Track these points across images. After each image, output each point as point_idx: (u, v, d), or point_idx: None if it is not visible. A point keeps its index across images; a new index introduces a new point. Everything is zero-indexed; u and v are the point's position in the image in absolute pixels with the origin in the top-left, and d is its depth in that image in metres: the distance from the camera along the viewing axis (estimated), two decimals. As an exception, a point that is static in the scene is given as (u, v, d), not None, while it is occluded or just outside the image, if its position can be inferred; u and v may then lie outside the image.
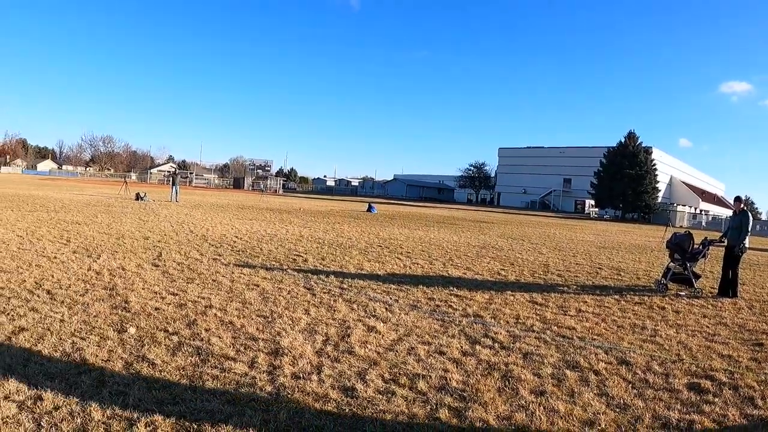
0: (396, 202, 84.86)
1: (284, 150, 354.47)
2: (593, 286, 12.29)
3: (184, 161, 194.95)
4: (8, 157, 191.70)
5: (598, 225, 50.83)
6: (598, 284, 12.66)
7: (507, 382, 5.58)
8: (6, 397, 4.58)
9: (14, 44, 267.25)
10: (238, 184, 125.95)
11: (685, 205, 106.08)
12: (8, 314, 7.13)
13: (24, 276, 9.58)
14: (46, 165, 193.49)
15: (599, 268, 15.49)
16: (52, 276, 9.72)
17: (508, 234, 27.72)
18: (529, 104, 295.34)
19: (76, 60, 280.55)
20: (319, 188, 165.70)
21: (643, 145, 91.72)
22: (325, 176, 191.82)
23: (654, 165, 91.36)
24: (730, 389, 5.89)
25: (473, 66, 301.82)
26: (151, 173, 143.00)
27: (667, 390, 5.72)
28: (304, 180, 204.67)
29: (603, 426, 4.63)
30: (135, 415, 4.36)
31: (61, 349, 5.90)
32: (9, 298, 8.02)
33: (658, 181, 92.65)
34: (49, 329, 6.60)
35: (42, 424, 4.16)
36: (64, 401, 4.56)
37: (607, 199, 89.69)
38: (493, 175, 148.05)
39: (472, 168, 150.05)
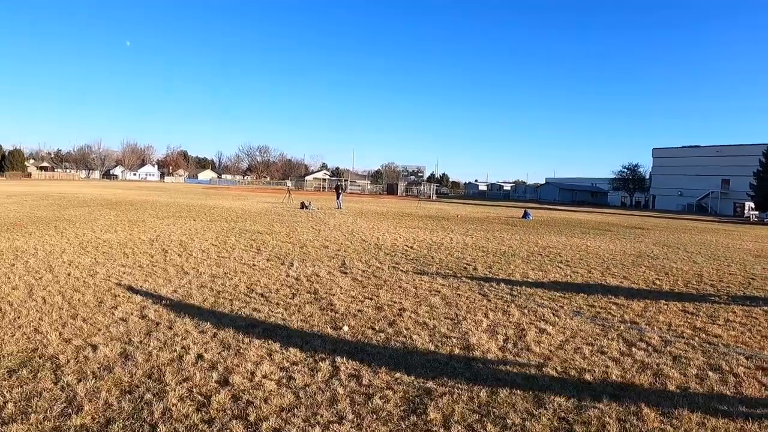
0: (549, 206, 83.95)
1: (435, 155, 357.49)
2: (744, 297, 12.72)
3: (337, 168, 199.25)
4: (171, 167, 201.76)
5: (758, 230, 49.07)
6: (749, 295, 13.03)
7: (657, 379, 6.64)
8: (279, 367, 6.19)
9: (172, 63, 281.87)
10: (391, 190, 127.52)
11: None
12: (236, 313, 8.75)
13: (235, 281, 11.23)
14: (206, 174, 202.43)
15: (752, 279, 15.76)
16: (259, 281, 11.34)
17: (663, 241, 27.75)
18: (686, 101, 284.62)
19: (231, 75, 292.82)
20: (471, 193, 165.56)
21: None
22: (476, 181, 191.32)
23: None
24: None
25: (625, 64, 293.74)
26: (306, 181, 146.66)
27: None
28: (455, 185, 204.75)
29: (734, 417, 5.60)
30: (370, 391, 5.87)
31: (292, 342, 7.34)
32: (231, 300, 9.60)
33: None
34: (276, 326, 8.11)
35: (301, 394, 5.72)
36: (312, 381, 6.11)
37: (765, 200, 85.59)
38: (647, 176, 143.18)
39: (626, 170, 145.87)
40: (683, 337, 8.68)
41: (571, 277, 14.09)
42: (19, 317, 8.15)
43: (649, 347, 8.00)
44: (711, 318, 10.18)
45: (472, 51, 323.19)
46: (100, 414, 5.05)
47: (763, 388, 6.64)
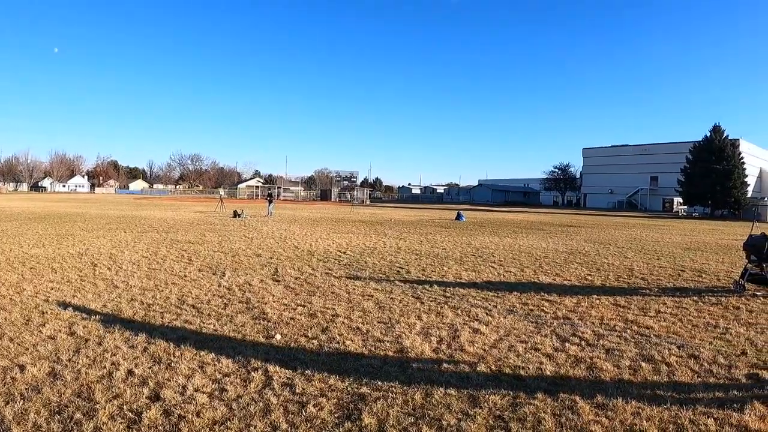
0: (482, 208, 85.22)
1: (368, 160, 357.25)
2: (674, 288, 13.08)
3: (270, 175, 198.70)
4: (101, 178, 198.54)
5: (686, 224, 50.37)
6: (679, 286, 13.41)
7: (591, 372, 6.73)
8: (198, 389, 6.01)
9: (101, 71, 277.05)
10: (325, 196, 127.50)
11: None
12: (167, 326, 8.49)
13: (165, 293, 10.98)
14: (137, 185, 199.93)
15: (681, 270, 16.20)
16: (191, 293, 11.11)
17: (594, 238, 28.33)
18: (614, 102, 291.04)
19: (161, 83, 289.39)
20: (404, 197, 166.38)
21: (730, 137, 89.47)
22: (410, 184, 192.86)
23: (742, 158, 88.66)
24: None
25: (554, 67, 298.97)
26: (239, 188, 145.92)
27: (727, 378, 6.73)
28: (389, 189, 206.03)
29: (668, 405, 5.74)
30: (304, 399, 5.73)
31: (224, 353, 7.17)
32: (161, 312, 9.36)
33: (747, 175, 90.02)
34: (207, 338, 7.92)
35: (234, 406, 5.55)
36: (245, 392, 5.92)
37: (694, 196, 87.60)
38: (578, 176, 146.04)
39: (557, 170, 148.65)
40: (615, 330, 8.84)
41: (504, 276, 14.20)
42: None
43: (582, 342, 8.12)
44: (642, 310, 10.39)
45: (402, 54, 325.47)
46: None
47: (696, 375, 6.80)
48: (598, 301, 11.25)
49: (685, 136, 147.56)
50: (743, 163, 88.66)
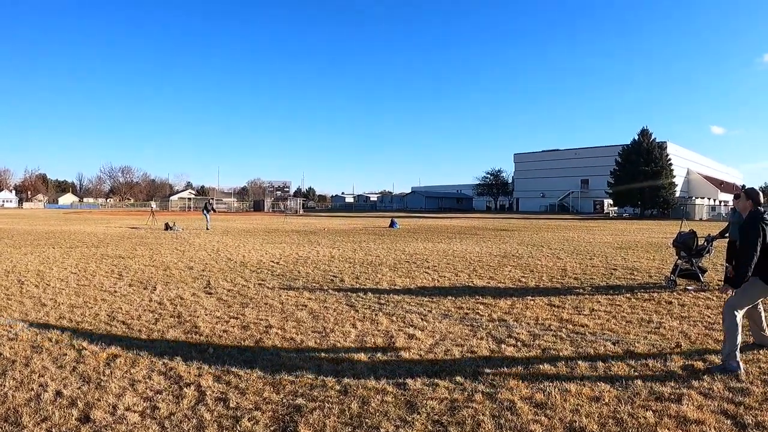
0: (416, 215, 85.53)
1: (301, 169, 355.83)
2: (607, 287, 13.28)
3: (202, 187, 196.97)
4: (30, 192, 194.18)
5: (617, 224, 51.38)
6: (612, 284, 13.63)
7: (528, 369, 6.76)
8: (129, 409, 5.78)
9: (27, 80, 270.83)
10: (258, 207, 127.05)
11: (704, 198, 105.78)
12: (97, 344, 8.16)
13: (95, 310, 10.64)
14: (67, 199, 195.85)
15: (614, 269, 16.48)
16: (121, 308, 10.78)
17: (527, 241, 28.65)
18: (544, 106, 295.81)
19: (89, 93, 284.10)
20: (338, 205, 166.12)
21: (658, 140, 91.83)
22: (343, 193, 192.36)
23: (669, 160, 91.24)
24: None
25: (483, 72, 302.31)
26: (171, 201, 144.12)
27: (664, 371, 6.81)
28: (322, 198, 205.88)
29: (607, 401, 5.76)
30: (238, 414, 5.54)
31: (156, 369, 6.97)
32: (90, 330, 9.05)
33: (675, 176, 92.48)
34: (139, 354, 7.66)
35: (166, 424, 5.34)
36: (178, 408, 5.73)
37: (625, 197, 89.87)
38: (510, 181, 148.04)
39: (489, 175, 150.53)
40: (551, 330, 8.90)
41: (438, 281, 14.18)
42: None
43: (519, 342, 8.13)
44: (577, 309, 10.49)
45: (330, 61, 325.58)
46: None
47: (632, 369, 6.89)
48: (532, 302, 11.30)
49: (614, 140, 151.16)
50: (671, 164, 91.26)
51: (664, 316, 9.95)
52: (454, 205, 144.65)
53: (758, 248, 7.01)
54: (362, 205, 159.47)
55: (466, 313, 10.14)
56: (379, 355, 7.54)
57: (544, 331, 8.79)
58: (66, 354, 7.69)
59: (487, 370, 6.78)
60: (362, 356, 7.44)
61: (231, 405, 5.75)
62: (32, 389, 6.30)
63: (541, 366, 6.95)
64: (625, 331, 8.85)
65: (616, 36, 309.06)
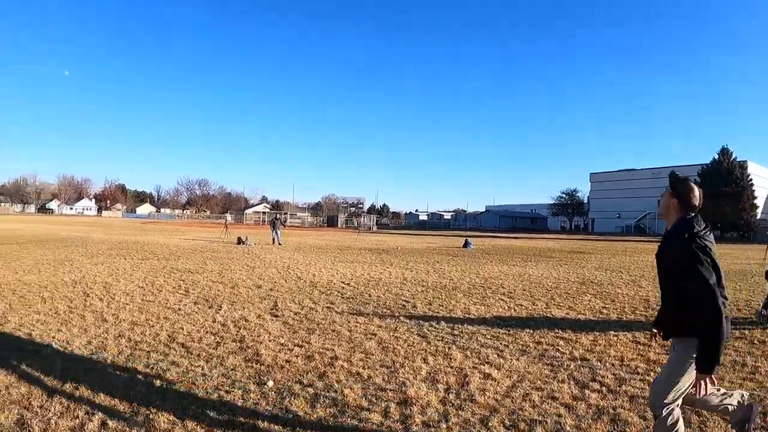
0: (490, 234, 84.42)
1: (375, 186, 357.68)
2: None
3: (277, 201, 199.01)
4: (109, 201, 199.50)
5: (698, 250, 49.74)
6: None
7: (615, 425, 6.04)
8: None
9: (111, 95, 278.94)
10: (332, 222, 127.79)
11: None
12: (152, 368, 7.84)
13: (156, 329, 10.35)
14: (144, 209, 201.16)
15: (699, 301, 15.44)
16: (182, 329, 10.46)
17: (605, 265, 27.62)
18: (622, 124, 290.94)
19: (169, 108, 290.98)
20: (412, 223, 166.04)
21: (738, 159, 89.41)
22: (417, 210, 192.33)
23: (751, 180, 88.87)
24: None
25: (560, 91, 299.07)
26: (246, 214, 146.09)
27: (763, 428, 6.11)
28: (396, 215, 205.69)
29: None
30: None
31: (209, 403, 6.55)
32: (148, 352, 8.74)
33: (756, 197, 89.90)
34: (194, 383, 7.28)
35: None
36: None
37: (703, 219, 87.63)
38: (585, 200, 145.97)
39: (564, 195, 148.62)
40: (638, 373, 8.10)
41: (514, 310, 13.45)
42: None
43: (603, 387, 7.38)
44: (664, 348, 9.61)
45: (409, 81, 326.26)
46: None
47: (729, 425, 6.04)
48: (616, 338, 10.52)
49: (693, 159, 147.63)
50: (752, 184, 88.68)
51: (759, 359, 9.09)
52: (529, 225, 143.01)
53: (718, 292, 4.34)
54: (436, 222, 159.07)
55: (546, 350, 9.42)
56: (452, 396, 6.89)
57: (630, 374, 8.02)
58: (119, 378, 7.39)
59: (570, 422, 6.12)
60: (433, 398, 6.81)
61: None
62: (77, 417, 6.01)
63: (628, 418, 6.26)
64: (718, 376, 7.96)
65: (688, 53, 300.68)
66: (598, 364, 8.59)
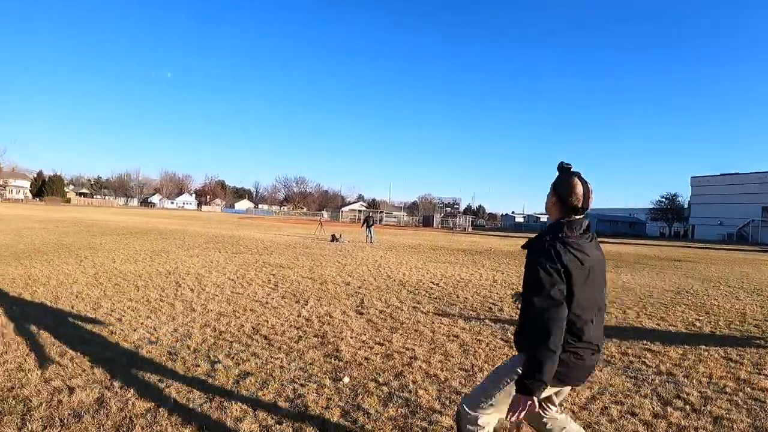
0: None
1: (472, 186, 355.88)
2: None
3: (373, 200, 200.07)
4: (208, 197, 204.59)
5: (804, 262, 47.82)
6: None
7: None
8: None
9: (213, 95, 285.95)
10: (427, 222, 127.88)
11: None
12: (233, 358, 8.02)
13: (241, 321, 10.57)
14: (243, 204, 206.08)
15: (804, 318, 14.74)
16: (267, 321, 10.64)
17: (703, 275, 26.66)
18: (724, 127, 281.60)
19: (269, 107, 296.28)
20: (507, 225, 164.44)
21: None
22: (513, 212, 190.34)
23: None
24: None
25: (662, 90, 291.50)
26: (342, 212, 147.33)
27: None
28: (492, 217, 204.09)
29: None
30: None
31: (284, 395, 6.64)
32: (231, 342, 8.94)
33: None
34: (271, 375, 7.39)
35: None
36: None
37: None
38: (686, 206, 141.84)
39: (664, 200, 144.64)
40: (725, 393, 7.73)
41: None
42: (6, 353, 7.81)
43: (687, 406, 7.06)
44: (756, 367, 9.18)
45: (503, 84, 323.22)
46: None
47: None
48: (706, 353, 10.05)
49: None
50: None
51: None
52: (627, 230, 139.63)
53: (559, 306, 3.70)
54: (532, 225, 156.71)
55: (631, 362, 9.11)
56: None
57: (717, 393, 7.66)
58: (198, 366, 7.59)
59: (648, 440, 5.93)
60: None
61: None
62: (152, 401, 6.20)
63: (710, 441, 6.03)
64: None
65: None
66: (685, 380, 8.24)
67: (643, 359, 9.34)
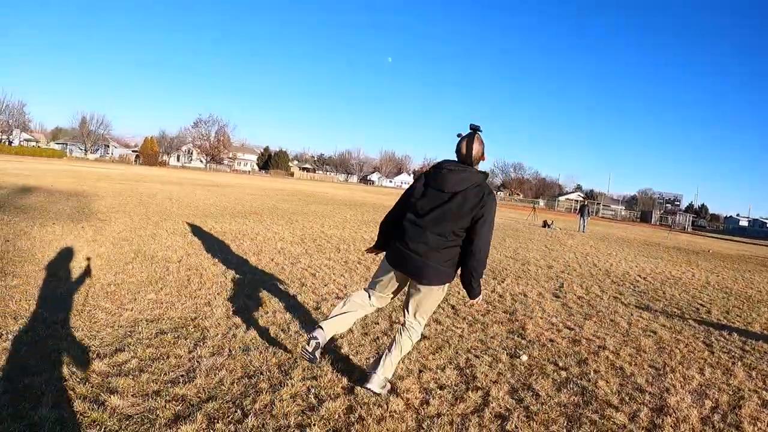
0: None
1: (695, 183, 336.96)
2: None
3: (591, 191, 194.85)
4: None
5: None
6: None
7: None
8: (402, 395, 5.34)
9: (430, 80, 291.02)
10: (645, 218, 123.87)
11: None
12: (426, 329, 7.88)
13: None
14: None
15: None
16: (458, 292, 10.49)
17: None
18: None
19: (497, 92, 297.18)
20: (730, 228, 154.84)
21: None
22: (738, 215, 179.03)
23: None
24: None
25: None
26: (558, 201, 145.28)
27: None
28: (715, 218, 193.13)
29: None
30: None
31: (454, 363, 6.51)
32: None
33: None
34: (447, 342, 7.33)
35: (423, 427, 4.81)
36: (447, 411, 5.16)
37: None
38: None
39: None
40: None
41: (832, 337, 11.76)
42: (200, 289, 8.47)
43: None
44: None
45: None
46: (203, 390, 5.09)
47: None
48: None
49: None
50: None
51: None
52: None
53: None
54: (757, 231, 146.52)
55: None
56: (716, 417, 5.95)
57: None
58: (377, 324, 7.78)
59: None
60: (694, 413, 5.94)
61: (507, 428, 5.01)
62: (326, 346, 6.23)
63: None
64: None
65: None
66: None
67: None
